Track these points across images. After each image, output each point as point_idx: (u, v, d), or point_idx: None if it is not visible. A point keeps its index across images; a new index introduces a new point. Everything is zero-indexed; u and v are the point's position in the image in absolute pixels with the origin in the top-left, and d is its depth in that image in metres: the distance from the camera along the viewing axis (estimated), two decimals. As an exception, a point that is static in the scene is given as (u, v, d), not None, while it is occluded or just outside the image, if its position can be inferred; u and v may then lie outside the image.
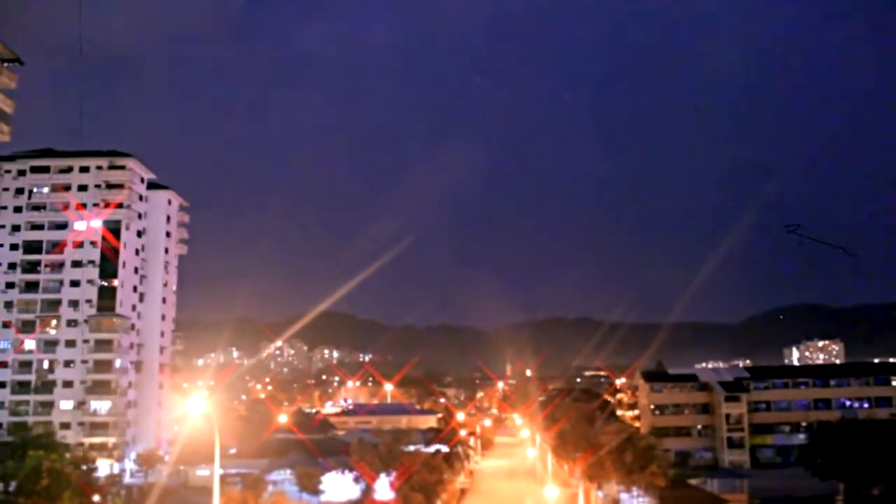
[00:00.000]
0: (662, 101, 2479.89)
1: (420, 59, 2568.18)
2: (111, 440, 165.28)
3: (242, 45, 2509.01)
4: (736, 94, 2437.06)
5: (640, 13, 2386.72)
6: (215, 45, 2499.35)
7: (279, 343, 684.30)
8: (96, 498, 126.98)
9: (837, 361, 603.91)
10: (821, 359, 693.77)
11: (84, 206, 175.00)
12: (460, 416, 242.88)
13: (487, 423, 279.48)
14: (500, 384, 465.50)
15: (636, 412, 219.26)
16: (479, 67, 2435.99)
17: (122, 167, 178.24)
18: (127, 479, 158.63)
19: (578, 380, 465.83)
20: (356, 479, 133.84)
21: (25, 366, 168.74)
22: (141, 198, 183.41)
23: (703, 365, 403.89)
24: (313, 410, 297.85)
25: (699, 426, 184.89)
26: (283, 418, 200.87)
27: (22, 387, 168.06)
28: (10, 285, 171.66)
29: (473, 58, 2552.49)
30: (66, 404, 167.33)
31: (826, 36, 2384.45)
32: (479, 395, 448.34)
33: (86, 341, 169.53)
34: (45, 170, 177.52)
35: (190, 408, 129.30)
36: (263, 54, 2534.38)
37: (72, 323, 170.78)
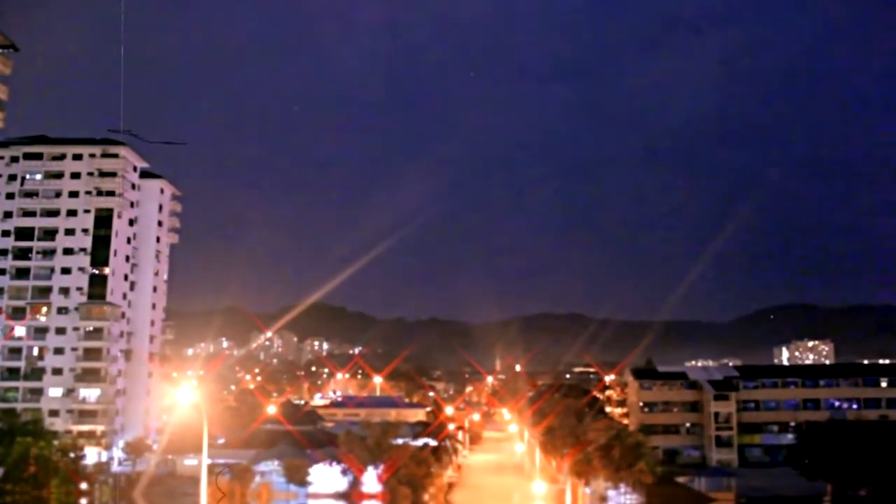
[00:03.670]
0: (657, 96, 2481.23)
1: (413, 49, 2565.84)
2: (100, 428, 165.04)
3: (232, 26, 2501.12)
4: (728, 92, 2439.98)
5: None
6: (204, 32, 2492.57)
7: (269, 334, 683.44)
8: (84, 485, 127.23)
9: (827, 362, 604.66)
10: (810, 359, 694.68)
11: (76, 193, 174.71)
12: (449, 410, 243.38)
13: (476, 417, 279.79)
14: (490, 379, 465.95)
15: (625, 409, 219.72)
16: (474, 61, 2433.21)
17: (115, 155, 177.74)
18: (115, 468, 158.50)
19: (568, 376, 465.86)
20: (344, 472, 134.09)
21: (15, 352, 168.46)
22: (133, 186, 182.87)
23: (693, 363, 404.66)
24: (302, 402, 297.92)
25: (688, 424, 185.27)
26: (271, 409, 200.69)
27: (11, 373, 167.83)
28: (0, 272, 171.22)
29: (468, 50, 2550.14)
30: (55, 391, 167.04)
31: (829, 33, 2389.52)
32: (469, 389, 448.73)
33: (76, 329, 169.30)
34: (38, 157, 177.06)
35: (179, 397, 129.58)
36: (254, 38, 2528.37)
37: (62, 310, 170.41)
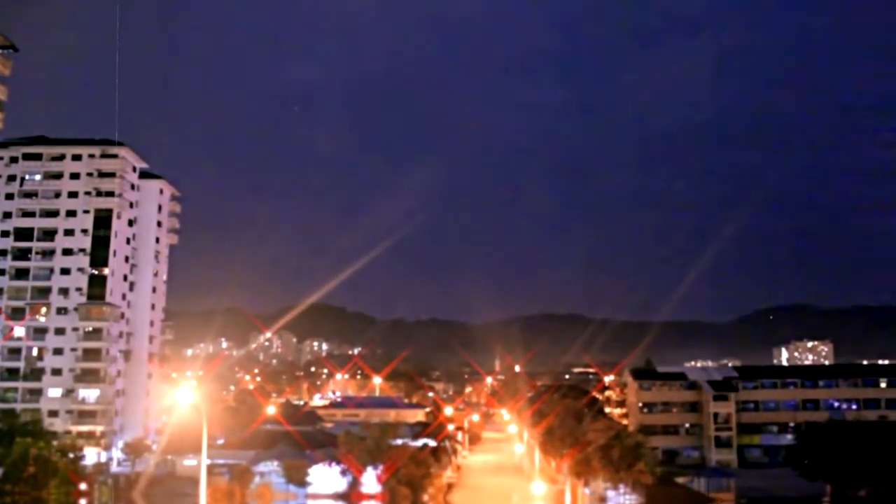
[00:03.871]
0: (655, 96, 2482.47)
1: (412, 49, 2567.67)
2: (99, 428, 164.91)
3: (232, 26, 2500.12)
4: (727, 91, 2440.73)
5: None
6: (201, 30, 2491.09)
7: (269, 334, 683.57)
8: (83, 486, 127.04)
9: (826, 362, 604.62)
10: (810, 359, 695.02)
11: (76, 194, 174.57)
12: (448, 410, 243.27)
13: (475, 417, 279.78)
14: (489, 379, 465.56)
15: (624, 410, 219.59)
16: (472, 61, 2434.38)
17: (115, 156, 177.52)
18: (114, 468, 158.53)
19: (567, 376, 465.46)
20: (343, 472, 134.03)
21: (14, 353, 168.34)
22: (133, 187, 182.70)
23: (692, 364, 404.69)
24: (301, 402, 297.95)
25: (687, 425, 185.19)
26: (271, 410, 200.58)
27: (11, 374, 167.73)
28: (0, 272, 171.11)
29: (467, 49, 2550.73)
30: (54, 392, 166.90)
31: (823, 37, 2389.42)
32: (468, 389, 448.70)
33: (75, 329, 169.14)
34: (38, 157, 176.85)
35: (178, 397, 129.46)
36: (254, 38, 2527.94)
37: (62, 311, 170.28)
